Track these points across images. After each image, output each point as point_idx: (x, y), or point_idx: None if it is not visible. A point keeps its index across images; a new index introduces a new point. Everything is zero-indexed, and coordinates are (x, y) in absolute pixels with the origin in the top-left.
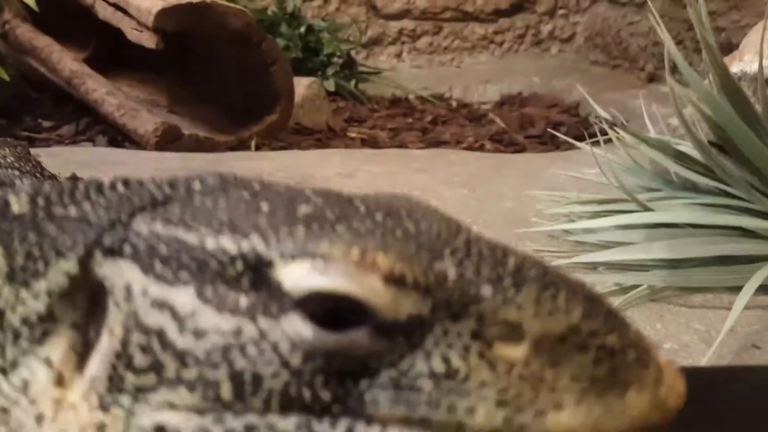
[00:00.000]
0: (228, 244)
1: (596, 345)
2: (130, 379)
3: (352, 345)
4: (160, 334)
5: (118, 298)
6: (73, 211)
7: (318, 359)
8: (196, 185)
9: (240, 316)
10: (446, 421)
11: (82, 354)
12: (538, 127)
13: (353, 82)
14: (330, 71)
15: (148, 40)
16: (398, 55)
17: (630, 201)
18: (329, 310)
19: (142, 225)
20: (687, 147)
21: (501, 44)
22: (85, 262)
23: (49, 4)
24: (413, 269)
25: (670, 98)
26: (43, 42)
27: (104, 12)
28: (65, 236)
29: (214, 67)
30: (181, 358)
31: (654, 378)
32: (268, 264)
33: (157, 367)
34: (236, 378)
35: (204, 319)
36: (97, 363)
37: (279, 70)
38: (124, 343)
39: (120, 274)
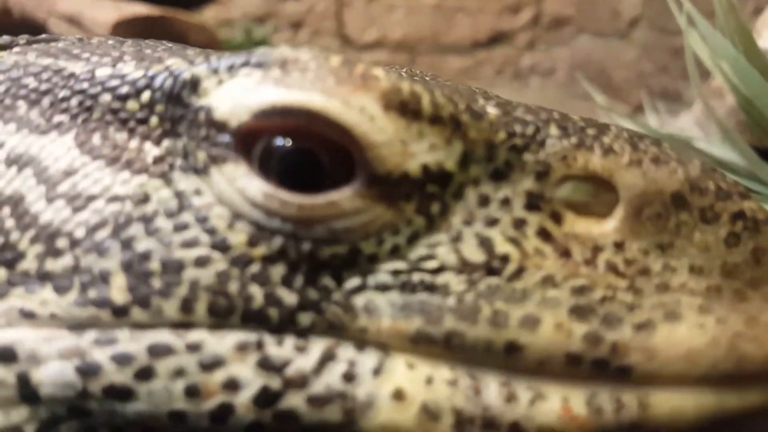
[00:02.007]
0: (130, 69)
1: (731, 213)
2: None
3: (331, 212)
4: (17, 205)
5: None
6: None
7: (275, 238)
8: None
9: (145, 174)
10: (488, 340)
11: None
12: None
13: None
14: None
15: None
16: None
17: None
18: (291, 161)
19: (6, 57)
20: (702, 144)
21: (479, 77)
22: None
23: (4, 27)
24: (432, 93)
25: (688, 64)
26: None
27: (58, 28)
28: None
29: None
30: (48, 239)
31: None
32: (193, 85)
33: (8, 257)
34: (137, 269)
35: (87, 180)
36: None
37: None
38: None
39: None
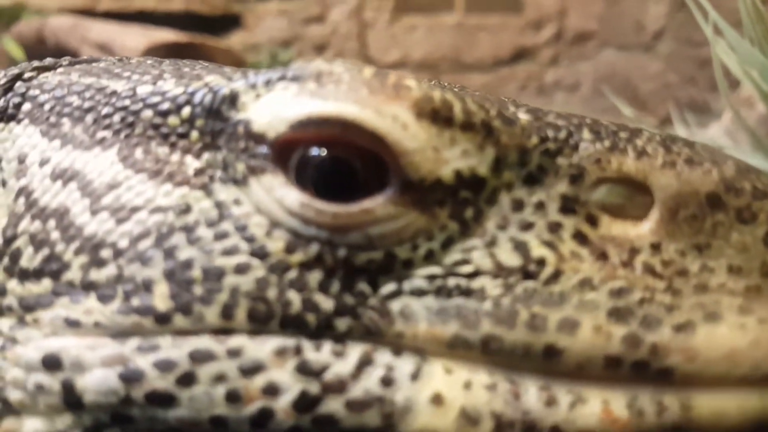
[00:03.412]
0: (170, 86)
1: None
2: (13, 290)
3: (366, 219)
4: (62, 218)
5: (7, 175)
6: None
7: (311, 245)
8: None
9: (187, 186)
10: (527, 344)
11: None
12: None
13: None
14: None
15: None
16: None
17: None
18: (326, 169)
19: (51, 77)
20: (733, 153)
21: (502, 94)
22: None
23: (40, 55)
24: (464, 100)
25: (716, 74)
26: None
27: (90, 55)
28: None
29: None
30: (93, 250)
31: None
32: (231, 100)
33: (54, 268)
34: (179, 276)
35: (131, 192)
36: None
37: None
38: (9, 237)
39: (12, 143)
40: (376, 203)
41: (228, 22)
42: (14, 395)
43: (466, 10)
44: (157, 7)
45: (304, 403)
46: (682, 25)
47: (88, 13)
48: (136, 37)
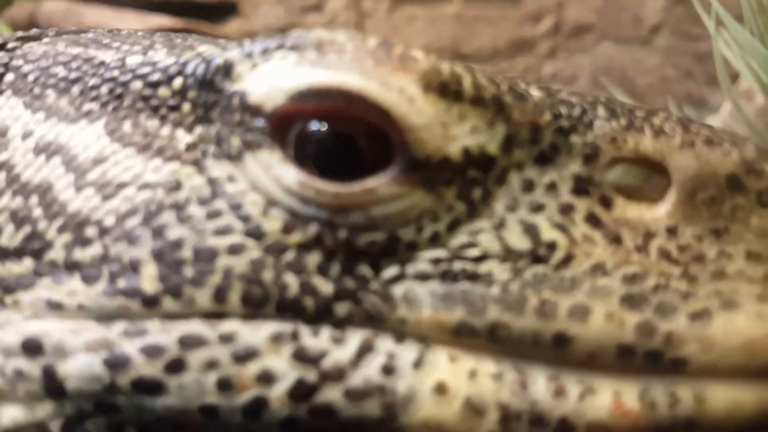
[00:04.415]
0: (161, 57)
1: None
2: None
3: (368, 199)
4: (45, 194)
5: None
6: None
7: (310, 225)
8: None
9: (178, 162)
10: (535, 331)
11: None
12: None
13: None
14: None
15: None
16: None
17: None
18: (327, 145)
19: (36, 47)
20: None
21: None
22: None
23: None
24: (474, 74)
25: (717, 65)
26: None
27: None
28: None
29: None
30: (77, 228)
31: None
32: (226, 70)
33: (35, 247)
34: (168, 257)
35: (118, 168)
36: None
37: None
38: None
39: None
40: (380, 182)
41: (224, 10)
42: None
43: (465, 1)
44: None
45: (301, 391)
46: (680, 19)
47: None
48: (130, 23)
